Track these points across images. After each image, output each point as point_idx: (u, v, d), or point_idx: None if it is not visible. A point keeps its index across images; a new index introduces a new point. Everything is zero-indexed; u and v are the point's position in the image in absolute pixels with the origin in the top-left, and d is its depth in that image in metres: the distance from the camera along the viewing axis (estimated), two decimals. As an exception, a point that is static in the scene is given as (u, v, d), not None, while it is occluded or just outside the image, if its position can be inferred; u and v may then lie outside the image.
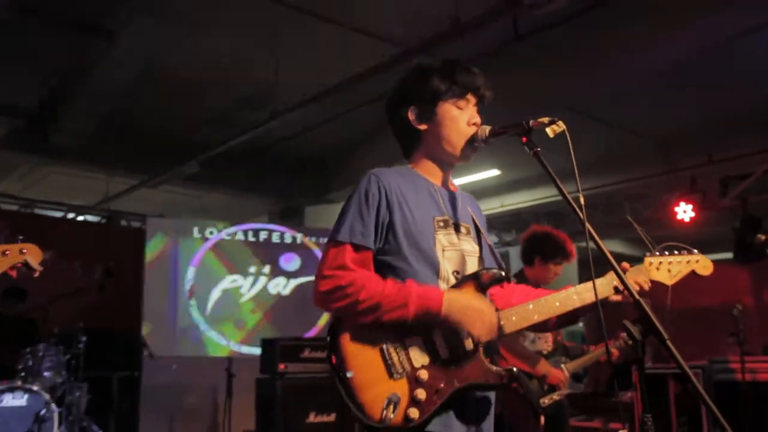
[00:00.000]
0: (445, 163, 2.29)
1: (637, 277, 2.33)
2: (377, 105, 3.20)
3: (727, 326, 6.05)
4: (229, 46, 7.23)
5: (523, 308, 2.18)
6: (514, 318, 2.15)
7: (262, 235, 8.61)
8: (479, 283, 2.12)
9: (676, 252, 2.48)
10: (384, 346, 2.00)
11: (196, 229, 8.38)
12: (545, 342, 4.71)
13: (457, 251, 2.18)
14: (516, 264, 4.92)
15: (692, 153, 8.48)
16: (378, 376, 1.97)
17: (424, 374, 1.99)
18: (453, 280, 2.14)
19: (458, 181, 9.16)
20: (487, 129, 2.20)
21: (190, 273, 8.18)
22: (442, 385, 1.99)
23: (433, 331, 2.04)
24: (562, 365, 4.63)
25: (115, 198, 10.35)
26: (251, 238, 8.53)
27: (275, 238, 8.67)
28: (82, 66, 7.33)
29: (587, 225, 2.03)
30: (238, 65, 7.56)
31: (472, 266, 2.21)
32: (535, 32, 6.01)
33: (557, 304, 2.23)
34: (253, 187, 10.75)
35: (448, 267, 2.14)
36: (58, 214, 9.82)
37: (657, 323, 1.95)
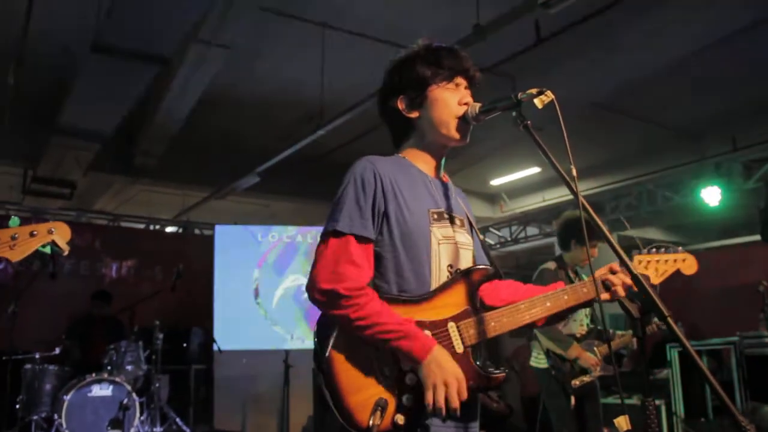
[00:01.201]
0: (440, 147, 2.04)
1: (624, 276, 1.99)
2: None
3: (759, 303, 5.70)
4: (281, 67, 7.20)
5: (514, 308, 1.91)
6: (505, 319, 1.89)
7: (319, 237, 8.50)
8: (470, 281, 1.90)
9: (663, 250, 2.20)
10: (373, 349, 1.77)
11: (259, 234, 8.34)
12: (579, 325, 4.46)
13: (451, 244, 1.94)
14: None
15: (718, 141, 8.04)
16: (366, 380, 1.74)
17: (412, 378, 1.75)
18: (446, 275, 1.90)
19: (502, 180, 8.98)
20: (477, 106, 1.94)
21: (256, 273, 8.13)
22: None
23: (423, 331, 1.79)
24: (595, 348, 4.38)
25: (192, 210, 10.46)
26: (309, 240, 8.43)
27: (331, 239, 8.54)
28: (150, 93, 7.39)
29: (580, 197, 1.79)
30: (290, 82, 7.51)
31: (466, 259, 1.98)
32: (557, 34, 5.74)
33: (548, 303, 1.95)
34: (315, 194, 10.69)
35: (442, 261, 1.91)
36: (141, 226, 9.96)
37: (657, 300, 1.69)
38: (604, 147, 8.76)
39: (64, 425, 5.87)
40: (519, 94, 1.81)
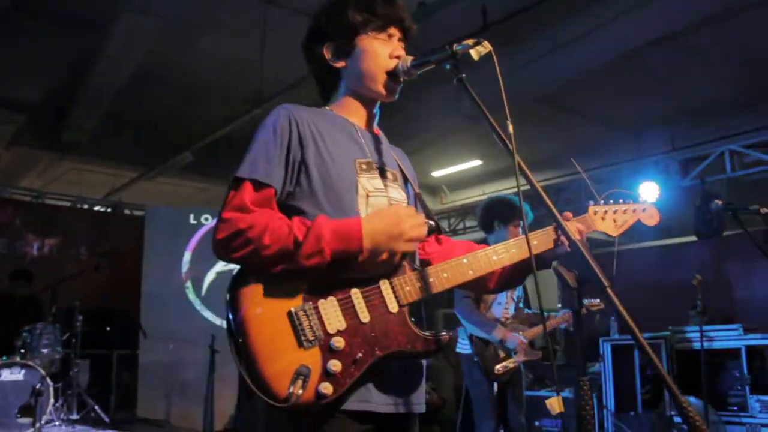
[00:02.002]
0: (368, 100, 1.85)
1: (579, 226, 1.88)
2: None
3: (690, 299, 5.72)
4: (221, 43, 6.87)
5: (456, 262, 1.71)
6: (445, 275, 1.68)
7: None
8: None
9: (621, 201, 2.02)
10: (292, 309, 1.53)
11: (192, 216, 8.01)
12: (504, 309, 4.33)
13: (383, 197, 1.73)
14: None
15: (656, 140, 8.15)
16: (285, 345, 1.51)
17: (339, 341, 1.53)
18: None
19: (442, 173, 8.82)
20: (409, 59, 1.76)
21: (187, 257, 7.81)
22: (360, 354, 1.53)
23: (351, 288, 1.58)
24: (520, 333, 4.23)
25: (123, 190, 9.99)
26: (244, 223, 8.15)
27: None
28: (80, 63, 6.96)
29: (517, 158, 1.63)
30: (231, 60, 7.19)
31: None
32: (503, 21, 5.64)
33: (495, 258, 1.75)
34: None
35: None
36: (67, 204, 9.44)
37: (596, 268, 1.53)
38: (543, 142, 8.74)
39: (-33, 411, 5.45)
40: (454, 46, 1.64)
